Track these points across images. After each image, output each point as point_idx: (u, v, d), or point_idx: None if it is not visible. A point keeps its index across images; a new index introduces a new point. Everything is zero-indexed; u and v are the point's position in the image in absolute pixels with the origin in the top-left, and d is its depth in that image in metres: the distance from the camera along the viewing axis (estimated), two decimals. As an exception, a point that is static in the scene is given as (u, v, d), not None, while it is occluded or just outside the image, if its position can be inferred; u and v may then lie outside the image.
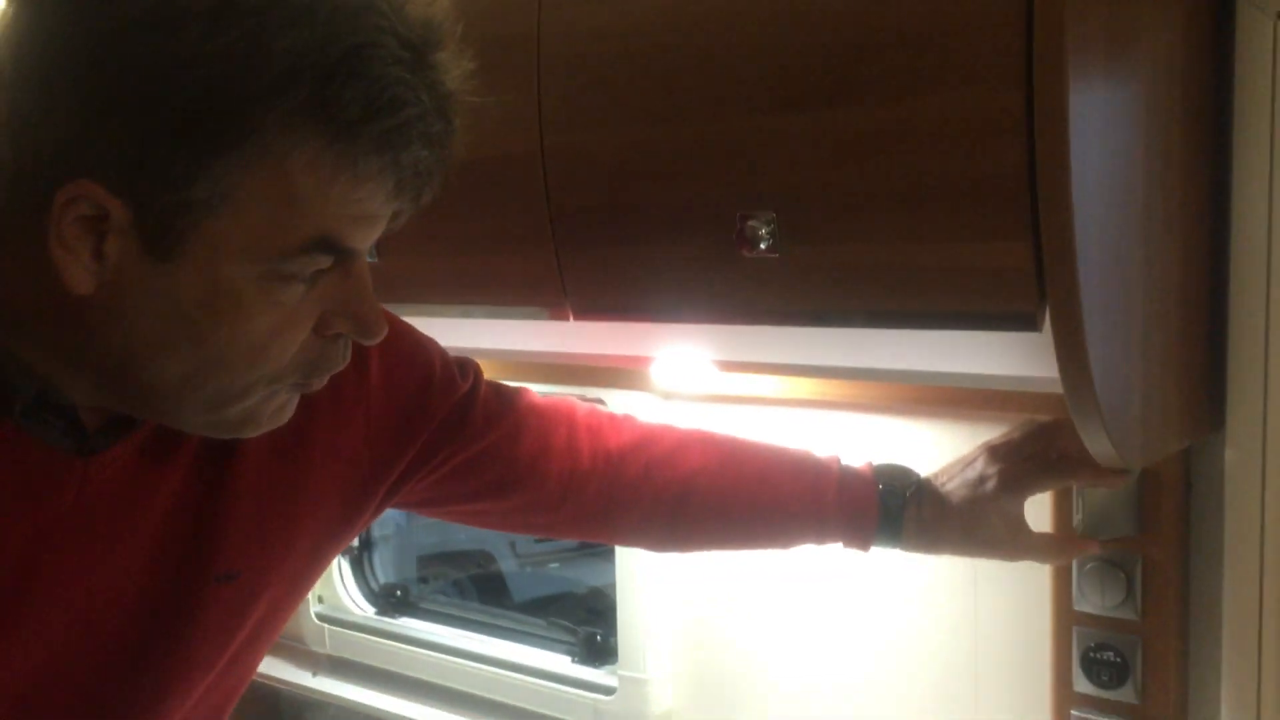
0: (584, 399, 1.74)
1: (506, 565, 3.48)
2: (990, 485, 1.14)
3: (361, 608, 2.14)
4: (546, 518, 1.22)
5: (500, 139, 1.25)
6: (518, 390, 1.24)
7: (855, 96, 0.99)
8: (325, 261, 0.77)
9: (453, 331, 1.51)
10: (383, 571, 2.20)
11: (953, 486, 1.17)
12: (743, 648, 1.64)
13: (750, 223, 1.07)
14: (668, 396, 1.67)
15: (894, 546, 1.20)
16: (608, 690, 1.75)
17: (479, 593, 3.04)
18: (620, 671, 1.73)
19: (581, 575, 3.36)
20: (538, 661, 1.86)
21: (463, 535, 3.47)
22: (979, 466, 1.15)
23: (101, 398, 0.82)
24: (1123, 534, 1.24)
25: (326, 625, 2.13)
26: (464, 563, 3.14)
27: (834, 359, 1.21)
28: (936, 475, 1.20)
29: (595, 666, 1.80)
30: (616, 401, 1.68)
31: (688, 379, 1.50)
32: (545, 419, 1.22)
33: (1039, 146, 0.88)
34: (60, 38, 0.69)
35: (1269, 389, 1.14)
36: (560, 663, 1.84)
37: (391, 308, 1.45)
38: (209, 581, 0.92)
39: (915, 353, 1.15)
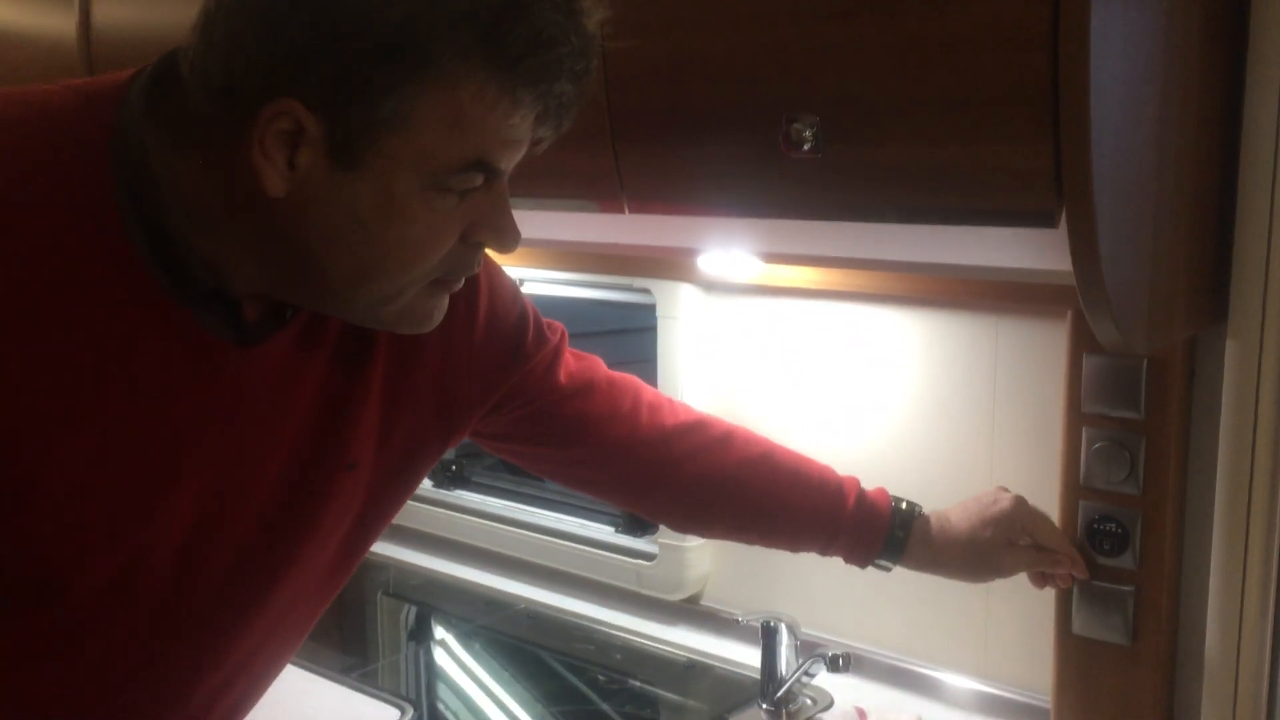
0: (632, 288, 1.86)
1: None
2: (990, 535, 1.38)
3: (419, 480, 2.30)
4: (595, 474, 1.36)
5: (563, 42, 1.35)
6: (593, 358, 1.37)
7: (893, 7, 1.08)
8: (478, 179, 0.88)
9: (522, 222, 1.63)
10: (438, 448, 2.35)
11: (962, 526, 1.39)
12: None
13: (794, 125, 1.17)
14: (710, 288, 1.79)
15: (892, 565, 1.40)
16: (649, 557, 1.90)
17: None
18: (660, 540, 1.88)
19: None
20: (583, 531, 2.01)
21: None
22: (989, 519, 1.39)
23: (269, 288, 0.92)
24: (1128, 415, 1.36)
25: (387, 496, 2.29)
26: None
27: (868, 252, 1.32)
28: (949, 511, 1.41)
29: (637, 536, 1.95)
30: (663, 291, 1.80)
31: (732, 270, 1.61)
32: (615, 388, 1.35)
33: (1061, 58, 0.97)
34: None
35: (1269, 284, 1.24)
36: (604, 532, 1.99)
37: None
38: (339, 468, 1.04)
39: (943, 247, 1.25)
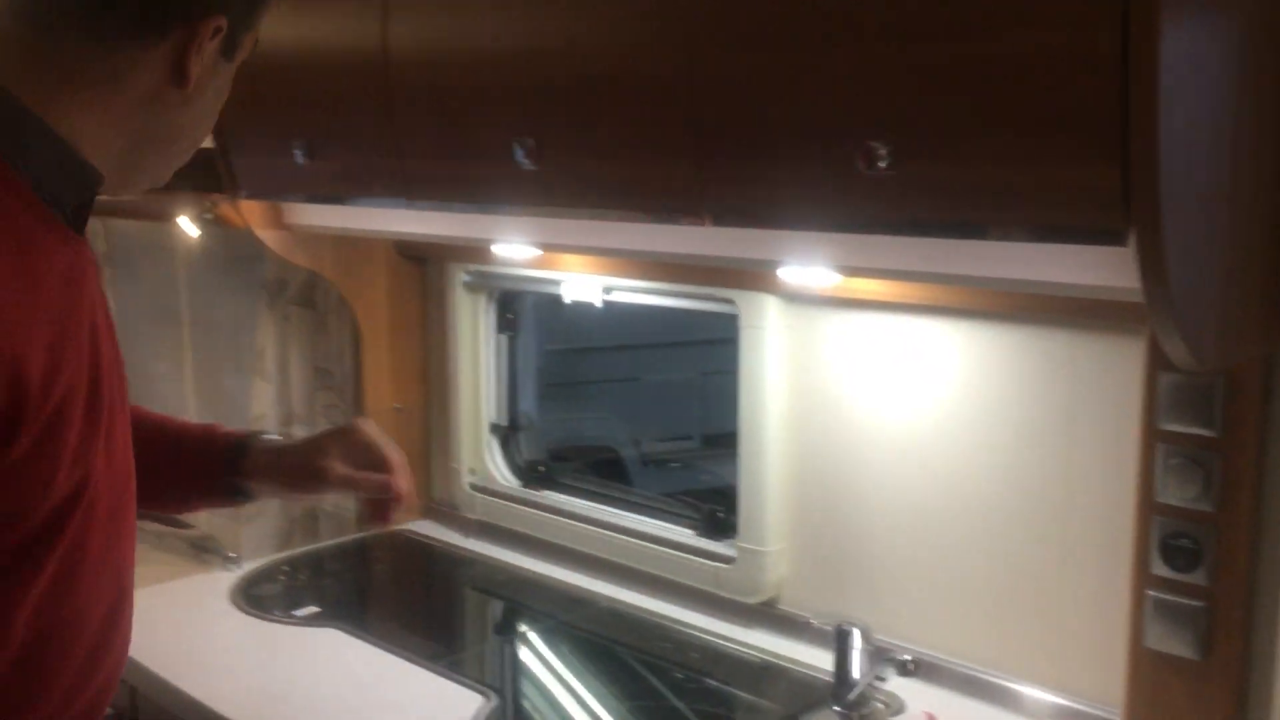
0: (716, 298, 1.91)
1: (630, 461, 3.68)
2: (310, 445, 1.38)
3: (508, 480, 2.38)
4: None
5: (652, 61, 1.41)
6: None
7: (966, 30, 1.12)
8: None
9: (598, 233, 1.70)
10: (527, 449, 2.43)
11: (296, 443, 1.40)
12: (848, 525, 1.82)
13: (870, 143, 1.21)
14: (792, 298, 1.83)
15: (247, 491, 1.39)
16: (727, 560, 1.95)
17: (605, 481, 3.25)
18: (739, 544, 1.92)
19: (698, 475, 3.55)
20: (665, 533, 2.07)
21: (589, 432, 3.68)
22: (319, 435, 1.42)
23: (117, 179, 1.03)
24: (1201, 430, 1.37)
25: (477, 494, 2.38)
26: (590, 455, 3.35)
27: (942, 266, 1.35)
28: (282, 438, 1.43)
29: (716, 539, 2.00)
30: (746, 302, 1.85)
31: (811, 281, 1.65)
32: None
33: (1131, 81, 1.00)
34: None
35: (1346, 305, 1.25)
36: (685, 535, 2.04)
37: (548, 211, 1.64)
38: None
39: (1015, 262, 1.28)
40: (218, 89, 1.07)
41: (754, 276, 1.80)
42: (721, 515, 2.01)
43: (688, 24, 1.35)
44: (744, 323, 1.87)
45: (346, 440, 1.37)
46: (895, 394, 1.74)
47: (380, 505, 1.35)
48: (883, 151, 1.20)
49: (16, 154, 0.94)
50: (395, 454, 1.36)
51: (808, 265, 1.53)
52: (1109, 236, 1.09)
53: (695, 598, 2.00)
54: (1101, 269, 1.20)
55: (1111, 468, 1.52)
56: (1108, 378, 1.53)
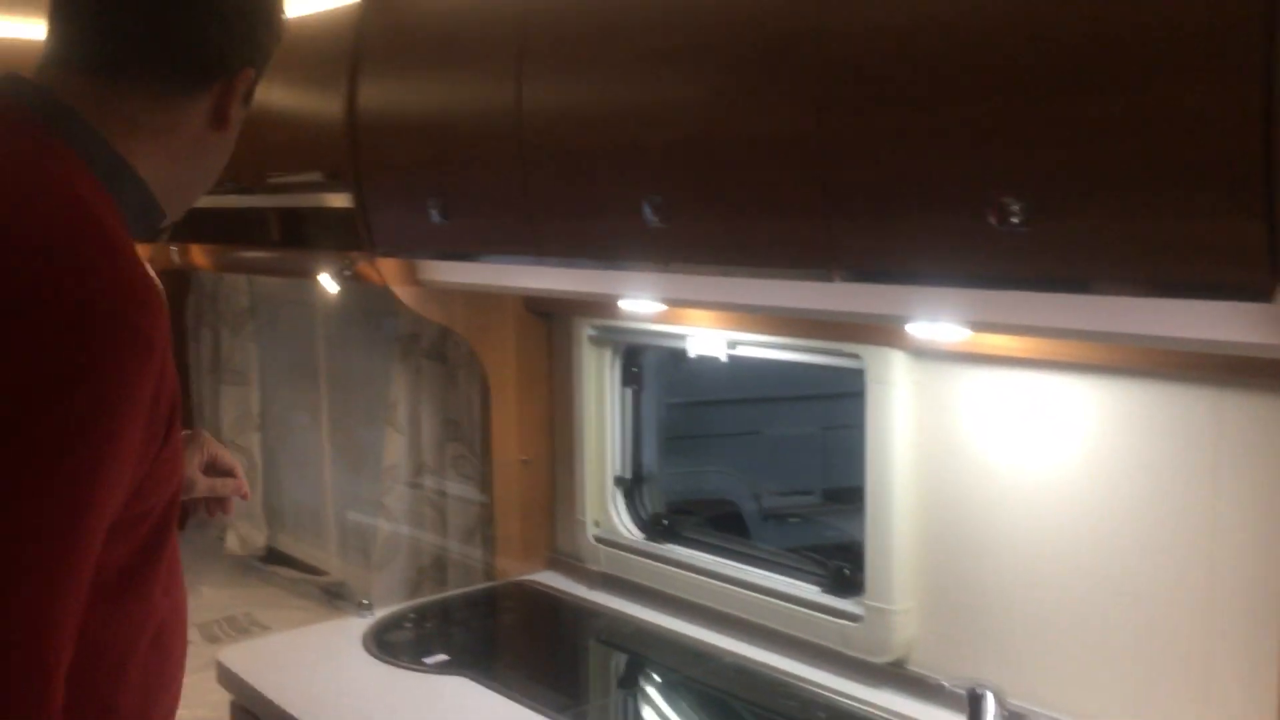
0: (842, 353, 1.91)
1: (749, 515, 3.67)
2: None
3: (631, 532, 2.40)
4: None
5: (781, 119, 1.43)
6: None
7: (1103, 86, 1.11)
8: None
9: (724, 288, 1.72)
10: (650, 502, 2.45)
11: None
12: (981, 584, 1.78)
13: (1003, 198, 1.21)
14: (919, 354, 1.82)
15: None
16: (854, 618, 1.92)
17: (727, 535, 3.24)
18: (867, 601, 1.90)
19: (820, 530, 3.52)
20: (790, 589, 2.05)
21: (708, 485, 3.69)
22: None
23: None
24: None
25: (601, 546, 2.40)
26: (710, 509, 3.35)
27: (1077, 322, 1.33)
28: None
29: (843, 596, 1.98)
30: (872, 357, 1.84)
31: (940, 336, 1.64)
32: None
33: (1273, 139, 0.98)
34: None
35: None
36: (811, 591, 2.02)
37: (675, 267, 1.67)
38: None
39: (1154, 318, 1.25)
40: (238, 129, 1.21)
41: (881, 331, 1.79)
42: (848, 572, 1.99)
43: (817, 83, 1.37)
44: (870, 378, 1.86)
45: (200, 450, 1.48)
46: (1028, 451, 1.71)
47: (222, 501, 1.51)
48: (1016, 207, 1.20)
49: (118, 194, 1.08)
50: (230, 458, 1.53)
51: (936, 320, 1.52)
52: (1253, 293, 1.07)
53: (821, 656, 1.98)
54: (1245, 325, 1.17)
55: (1261, 528, 1.46)
56: (1255, 435, 1.48)
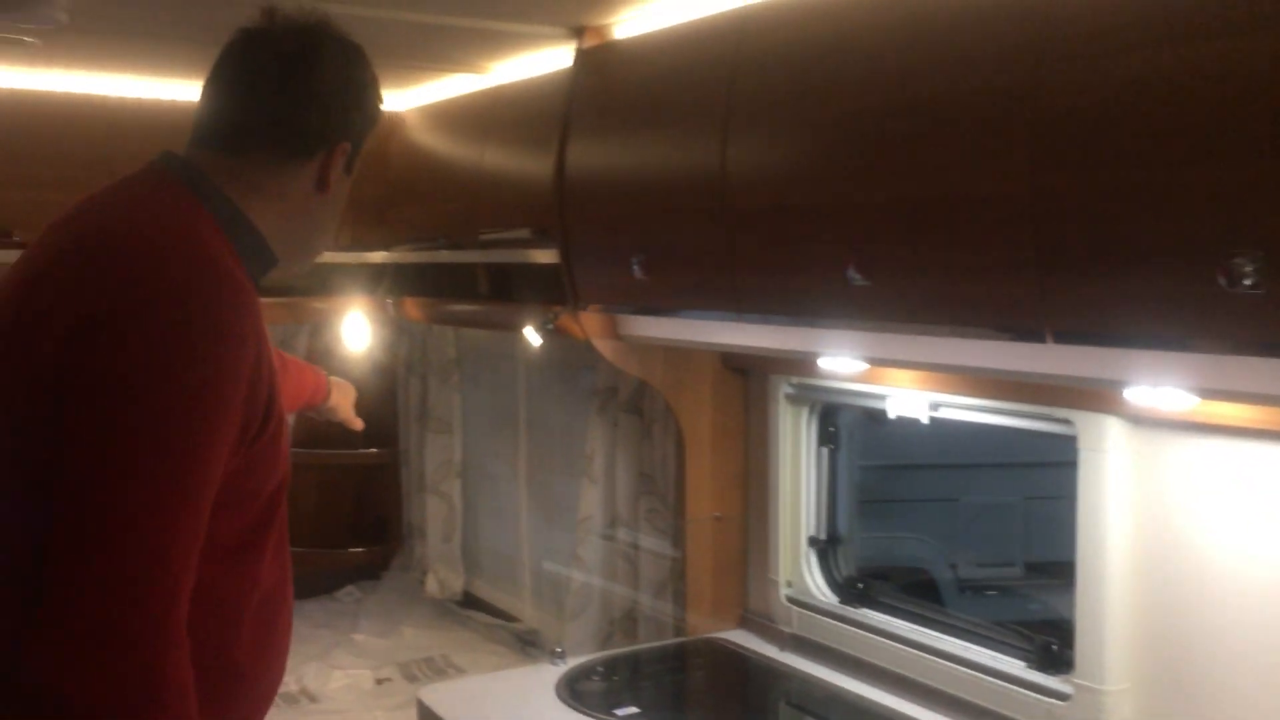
0: (1052, 418, 1.84)
1: (944, 584, 3.55)
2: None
3: (825, 595, 2.36)
4: None
5: (991, 179, 1.41)
6: None
7: (1353, 143, 1.05)
8: None
9: (928, 347, 1.68)
10: (844, 565, 2.40)
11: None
12: (1204, 670, 1.67)
13: (1235, 259, 1.15)
14: (1138, 421, 1.73)
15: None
16: (1062, 696, 1.83)
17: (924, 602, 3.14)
18: (1076, 680, 1.81)
19: (1022, 604, 3.37)
20: (992, 662, 1.97)
21: (903, 551, 3.59)
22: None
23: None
24: None
25: (794, 607, 2.37)
26: (903, 576, 3.26)
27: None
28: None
29: (1050, 674, 1.88)
30: (1086, 423, 1.77)
31: (1162, 403, 1.56)
32: None
33: None
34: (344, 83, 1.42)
35: None
36: (1015, 666, 1.94)
37: (877, 326, 1.65)
38: None
39: None
40: (342, 195, 1.45)
41: (1095, 396, 1.72)
42: (1055, 647, 1.89)
43: (1033, 140, 1.34)
44: (1083, 445, 1.78)
45: (348, 394, 2.04)
46: (1258, 528, 1.60)
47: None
48: (1248, 268, 1.13)
49: (236, 240, 1.35)
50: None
51: (1157, 386, 1.45)
52: None
53: (1024, 734, 1.89)
54: None
55: None
56: None
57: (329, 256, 3.29)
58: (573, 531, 2.91)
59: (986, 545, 3.99)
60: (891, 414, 2.14)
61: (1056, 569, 1.87)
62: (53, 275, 1.26)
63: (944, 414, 2.05)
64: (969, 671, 1.99)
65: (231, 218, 1.35)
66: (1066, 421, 1.81)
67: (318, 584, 3.76)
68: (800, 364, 2.28)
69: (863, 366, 1.96)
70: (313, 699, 2.99)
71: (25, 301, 1.26)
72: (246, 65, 1.38)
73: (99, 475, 1.16)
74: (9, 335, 1.25)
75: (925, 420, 2.08)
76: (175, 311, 1.20)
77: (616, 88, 2.19)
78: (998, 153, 1.39)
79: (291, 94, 1.37)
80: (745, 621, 2.51)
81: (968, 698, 1.99)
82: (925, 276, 1.55)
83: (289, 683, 3.05)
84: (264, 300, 1.33)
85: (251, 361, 1.24)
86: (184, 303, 1.21)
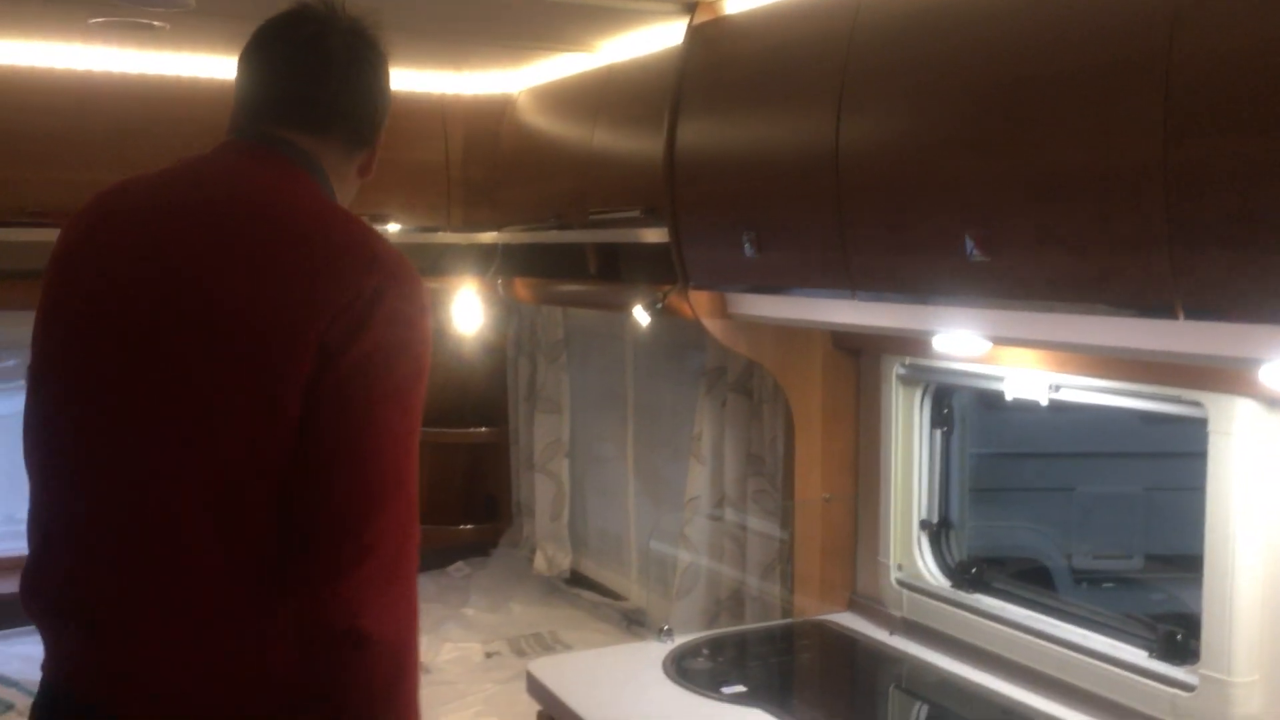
0: (1181, 400, 1.77)
1: (1058, 574, 3.46)
2: None
3: (937, 579, 2.32)
4: None
5: (1120, 150, 1.36)
6: None
7: None
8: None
9: (1050, 325, 1.64)
10: (957, 550, 2.36)
11: None
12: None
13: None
14: (1272, 403, 1.66)
15: None
16: (1187, 687, 1.77)
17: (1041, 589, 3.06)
18: (1202, 671, 1.74)
19: (1142, 595, 3.27)
20: (1113, 651, 1.91)
21: (1015, 540, 3.51)
22: None
23: None
24: None
25: (905, 591, 2.34)
26: (1015, 565, 3.18)
27: None
28: None
29: (1175, 664, 1.82)
30: (1217, 405, 1.70)
31: (1299, 384, 1.49)
32: None
33: None
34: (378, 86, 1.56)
35: None
36: (1137, 655, 1.88)
37: (996, 304, 1.61)
38: None
39: None
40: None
41: (1227, 377, 1.65)
42: (1180, 637, 1.83)
43: (1166, 109, 1.29)
44: (1213, 428, 1.72)
45: None
46: (1403, 516, 1.52)
47: None
48: (1402, 238, 1.08)
49: None
50: None
51: (1297, 365, 1.39)
52: None
53: (1146, 726, 1.83)
54: None
55: None
56: None
57: (441, 236, 3.36)
58: (679, 511, 2.91)
59: (1104, 536, 3.88)
60: (1009, 395, 2.08)
61: (1181, 561, 1.80)
62: (254, 260, 1.35)
63: (1064, 395, 1.99)
64: (1088, 660, 1.94)
65: (328, 191, 1.49)
66: (1196, 404, 1.74)
67: (429, 559, 3.84)
68: (914, 344, 2.24)
69: (980, 346, 1.92)
70: (425, 670, 3.05)
71: (220, 281, 1.34)
72: (331, 53, 1.48)
73: (385, 443, 1.32)
74: (217, 324, 1.32)
75: (1044, 402, 2.02)
76: (419, 287, 1.38)
77: (728, 63, 2.18)
78: (1128, 122, 1.34)
79: (370, 85, 1.52)
80: (853, 604, 2.48)
81: (1086, 686, 1.94)
82: (1048, 251, 1.50)
83: (401, 654, 3.12)
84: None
85: None
86: (418, 279, 1.39)
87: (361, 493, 1.30)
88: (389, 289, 1.33)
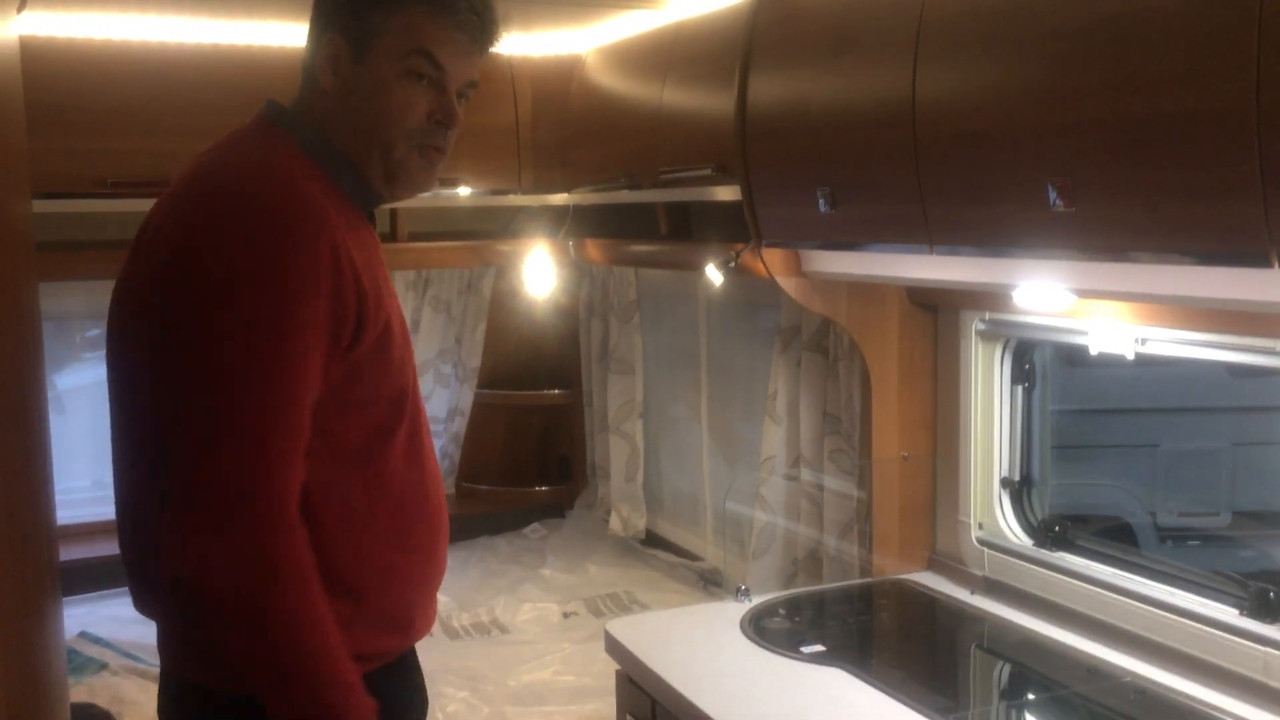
0: (1275, 351, 1.71)
1: (1142, 532, 3.39)
2: None
3: (1019, 537, 2.28)
4: None
5: (1211, 93, 1.31)
6: None
7: None
8: (426, 66, 1.47)
9: (1135, 276, 1.59)
10: (1039, 508, 2.32)
11: None
12: None
13: None
14: (1372, 353, 1.60)
15: None
16: (1279, 645, 1.72)
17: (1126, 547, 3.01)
18: (1297, 630, 1.70)
19: (1227, 553, 3.19)
20: (1202, 609, 1.87)
21: (1098, 498, 3.44)
22: None
23: (365, 176, 1.52)
24: None
25: (986, 549, 2.31)
26: (1098, 524, 3.12)
27: None
28: None
29: (1267, 622, 1.78)
30: (1311, 355, 1.64)
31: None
32: None
33: None
34: None
35: None
36: (1227, 613, 1.83)
37: (1081, 255, 1.57)
38: None
39: None
40: (383, 85, 1.51)
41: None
42: (1273, 595, 1.78)
43: (1261, 51, 1.24)
44: (1308, 380, 1.66)
45: None
46: None
47: None
48: None
49: (337, 177, 1.49)
50: None
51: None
52: None
53: (1236, 684, 1.79)
54: None
55: None
56: None
57: (512, 199, 3.37)
58: (755, 472, 2.90)
59: (1190, 493, 3.80)
60: (1093, 350, 2.04)
61: (1270, 518, 1.75)
62: (161, 206, 1.45)
63: (1151, 349, 1.94)
64: (1175, 618, 1.90)
65: (313, 141, 1.49)
66: (1287, 361, 1.69)
67: (505, 521, 3.89)
68: (993, 298, 2.19)
69: (1063, 299, 1.87)
70: (503, 630, 3.09)
71: (141, 235, 1.45)
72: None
73: (199, 380, 1.30)
74: (128, 271, 1.44)
75: (1130, 356, 1.97)
76: (250, 230, 1.34)
77: (799, 16, 2.13)
78: (1220, 64, 1.29)
79: None
80: (933, 563, 2.46)
81: (1175, 645, 1.90)
82: (1135, 199, 1.46)
83: (479, 613, 3.17)
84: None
85: (328, 274, 1.35)
86: (258, 222, 1.35)
87: (180, 439, 1.30)
88: (167, 222, 1.39)
